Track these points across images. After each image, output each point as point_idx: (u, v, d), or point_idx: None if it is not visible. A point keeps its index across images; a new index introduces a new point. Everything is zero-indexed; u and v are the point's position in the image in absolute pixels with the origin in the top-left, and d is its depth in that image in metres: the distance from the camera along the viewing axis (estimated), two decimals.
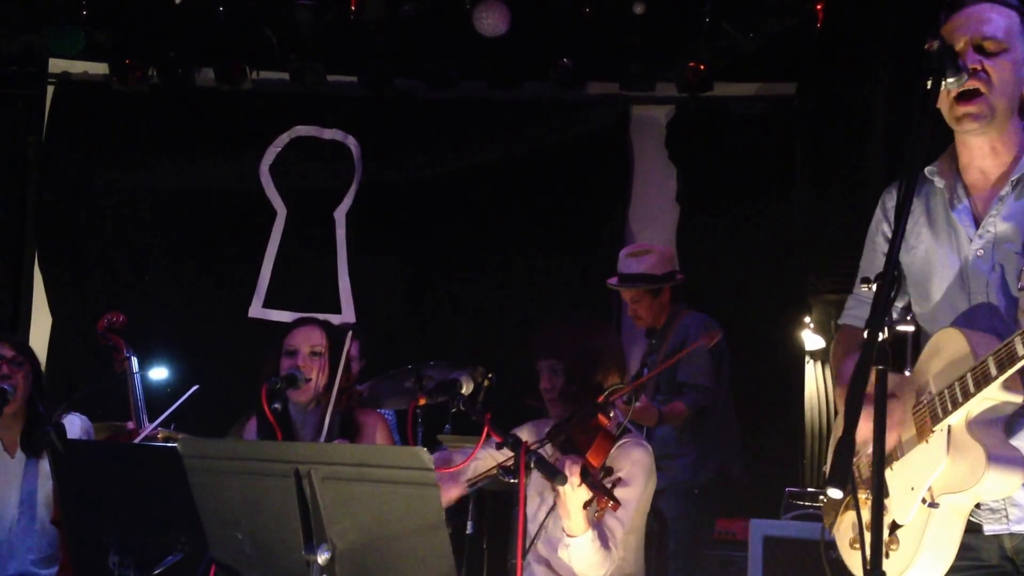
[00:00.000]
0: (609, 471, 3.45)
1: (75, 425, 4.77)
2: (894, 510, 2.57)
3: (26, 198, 7.40)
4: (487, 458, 3.75)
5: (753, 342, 6.43)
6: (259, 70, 7.27)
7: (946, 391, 2.50)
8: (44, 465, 4.64)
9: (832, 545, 4.35)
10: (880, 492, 2.31)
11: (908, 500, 2.55)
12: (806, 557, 4.66)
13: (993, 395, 2.42)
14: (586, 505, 3.36)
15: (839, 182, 6.67)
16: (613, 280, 5.65)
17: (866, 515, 2.57)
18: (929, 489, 2.51)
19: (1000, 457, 2.42)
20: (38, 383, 4.72)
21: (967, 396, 2.44)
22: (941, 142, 2.76)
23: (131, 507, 3.40)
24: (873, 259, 2.88)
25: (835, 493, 2.20)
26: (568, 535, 3.44)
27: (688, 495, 5.32)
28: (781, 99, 7.14)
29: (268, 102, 7.39)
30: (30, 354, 4.74)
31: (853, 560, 2.69)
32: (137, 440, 4.56)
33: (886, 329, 2.25)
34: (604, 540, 3.49)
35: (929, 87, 2.45)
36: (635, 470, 3.59)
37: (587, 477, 3.34)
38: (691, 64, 6.91)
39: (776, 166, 7.02)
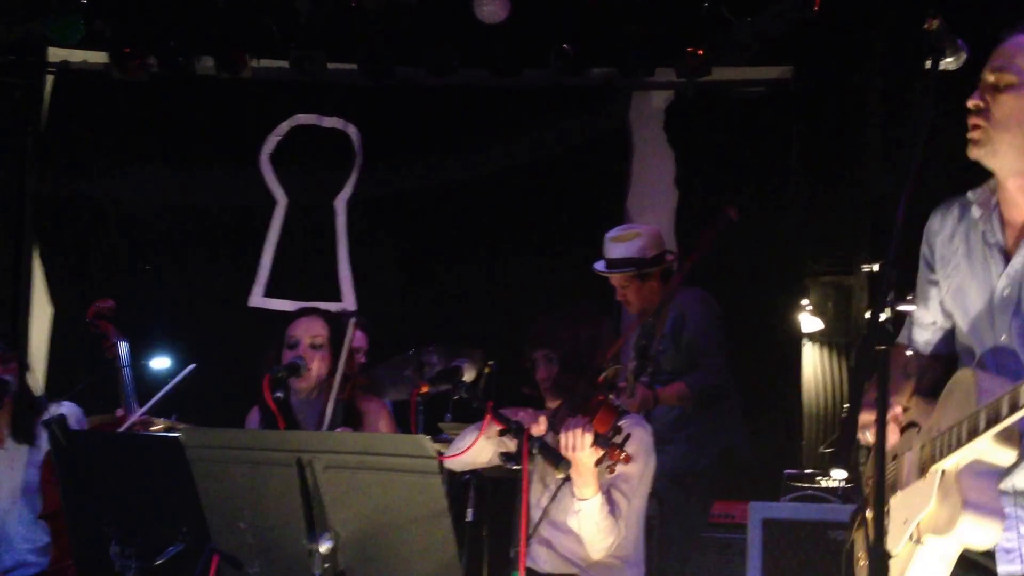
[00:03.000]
0: (618, 430, 3.49)
1: (69, 415, 4.79)
2: (890, 538, 2.54)
3: (25, 188, 7.38)
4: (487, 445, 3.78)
5: (751, 324, 6.46)
6: (259, 58, 7.24)
7: (948, 434, 2.48)
8: (36, 455, 4.68)
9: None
10: (883, 468, 2.32)
11: (900, 532, 2.56)
12: (805, 539, 4.69)
13: (984, 448, 2.41)
14: (598, 463, 3.41)
15: (836, 165, 6.68)
16: (600, 265, 5.39)
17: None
18: (917, 526, 2.52)
19: (977, 506, 2.40)
20: (23, 373, 4.76)
21: (960, 444, 2.43)
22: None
23: (133, 497, 3.42)
24: (918, 285, 2.84)
25: (839, 473, 2.21)
26: (579, 499, 3.50)
27: (683, 482, 5.15)
28: (778, 83, 7.14)
29: (268, 90, 7.37)
30: (15, 346, 4.79)
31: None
32: (125, 427, 4.55)
33: (888, 309, 2.25)
34: (612, 507, 3.55)
35: (929, 67, 2.46)
36: (635, 449, 3.62)
37: (597, 438, 3.39)
38: (690, 49, 6.90)
39: (774, 150, 7.02)
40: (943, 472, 2.49)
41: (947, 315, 2.79)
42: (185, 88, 7.29)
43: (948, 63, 2.50)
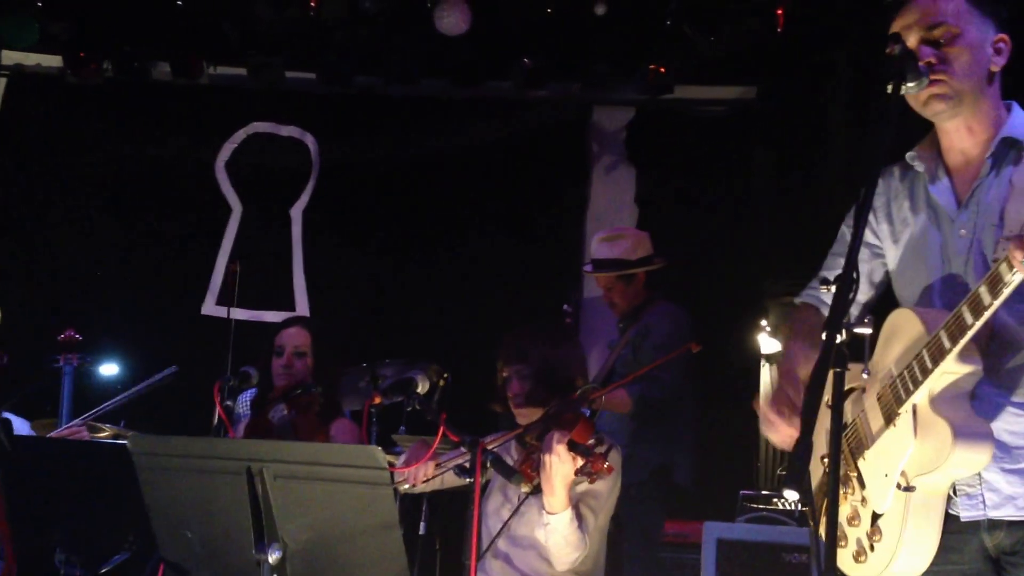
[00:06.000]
0: (600, 440, 3.46)
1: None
2: (872, 500, 2.55)
3: None
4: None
5: (709, 344, 6.44)
6: (216, 65, 7.19)
7: (905, 371, 2.48)
8: None
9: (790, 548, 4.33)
10: (836, 498, 2.28)
11: (883, 487, 2.52)
12: (759, 560, 4.67)
13: (951, 368, 2.41)
14: (579, 471, 3.38)
15: (797, 185, 6.70)
16: (588, 266, 5.55)
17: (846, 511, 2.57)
18: (903, 473, 2.48)
19: (967, 431, 2.40)
20: None
21: (926, 373, 2.42)
22: (905, 143, 2.77)
23: (79, 505, 3.37)
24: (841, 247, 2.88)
25: (791, 495, 2.18)
26: (548, 512, 3.47)
27: (624, 494, 5.13)
28: (741, 102, 7.17)
29: (225, 97, 7.32)
30: None
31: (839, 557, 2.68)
32: (57, 432, 4.50)
33: (844, 331, 2.23)
34: (580, 522, 3.52)
35: (890, 91, 2.45)
36: (613, 462, 3.59)
37: (576, 447, 3.38)
38: (652, 66, 6.92)
39: (735, 169, 7.05)
40: (915, 408, 2.47)
41: (872, 285, 2.84)
42: (140, 93, 7.21)
43: (910, 88, 2.51)
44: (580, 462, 3.39)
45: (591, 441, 3.46)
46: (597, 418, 5.04)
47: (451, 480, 3.83)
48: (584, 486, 3.52)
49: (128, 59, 7.03)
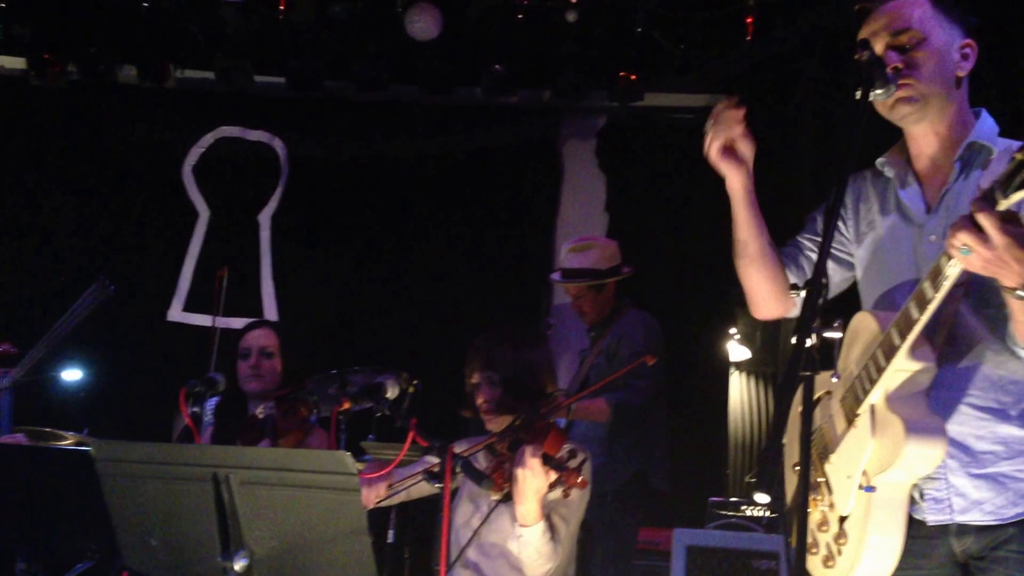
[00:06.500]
0: (573, 453, 3.43)
1: None
2: (838, 503, 2.56)
3: None
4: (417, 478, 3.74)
5: (679, 352, 6.45)
6: (184, 68, 7.13)
7: (863, 372, 2.50)
8: None
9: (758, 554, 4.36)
10: (806, 506, 2.27)
11: (846, 489, 2.53)
12: (729, 566, 4.67)
13: (903, 366, 2.43)
14: (552, 486, 3.35)
15: (765, 194, 6.70)
16: (556, 275, 5.52)
17: (816, 517, 2.57)
18: (864, 473, 2.49)
19: (919, 426, 2.41)
20: None
21: (880, 371, 2.44)
22: (873, 151, 2.78)
23: (40, 513, 3.31)
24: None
25: (762, 498, 2.17)
26: (521, 524, 3.43)
27: (600, 501, 5.02)
28: (710, 110, 7.17)
29: (193, 101, 7.25)
30: None
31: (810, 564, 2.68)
32: None
33: (813, 336, 2.23)
34: (552, 533, 3.49)
35: (859, 98, 2.46)
36: (587, 473, 3.56)
37: (550, 461, 3.34)
38: (622, 74, 6.92)
39: (704, 177, 7.04)
40: (873, 408, 2.49)
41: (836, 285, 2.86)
42: (106, 96, 7.14)
43: (878, 94, 2.52)
44: (554, 475, 3.36)
45: (564, 454, 3.43)
46: (573, 426, 5.04)
47: (419, 491, 3.79)
48: (556, 495, 3.49)
49: (93, 61, 6.95)
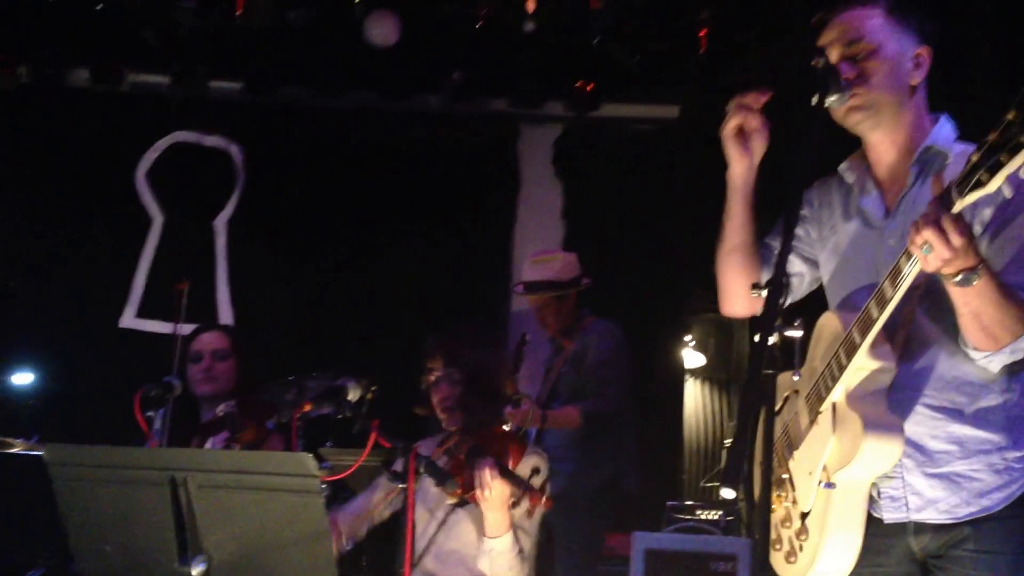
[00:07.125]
0: (536, 470, 3.42)
1: None
2: (800, 499, 2.60)
3: None
4: (380, 490, 3.74)
5: (634, 359, 6.48)
6: (138, 72, 7.05)
7: (825, 370, 2.55)
8: None
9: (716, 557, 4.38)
10: (767, 504, 2.29)
11: (808, 486, 2.57)
12: (687, 569, 4.70)
13: (864, 364, 2.47)
14: (514, 505, 3.34)
15: (718, 203, 6.75)
16: (519, 288, 5.62)
17: (780, 513, 2.61)
18: (824, 469, 2.53)
19: (877, 424, 2.45)
20: None
21: (842, 369, 2.48)
22: (834, 157, 2.82)
23: None
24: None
25: (728, 493, 2.19)
26: (490, 536, 3.41)
27: (573, 506, 5.17)
28: (665, 120, 7.24)
29: (147, 105, 7.17)
30: None
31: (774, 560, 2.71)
32: None
33: (775, 334, 2.26)
34: (520, 548, 3.47)
35: (814, 103, 2.50)
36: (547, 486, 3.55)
37: (509, 475, 3.33)
38: (579, 84, 6.96)
39: (659, 186, 7.10)
40: (834, 406, 2.53)
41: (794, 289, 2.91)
42: (57, 100, 7.03)
43: (833, 100, 2.56)
44: (517, 491, 3.33)
45: (528, 470, 3.40)
46: (545, 435, 5.09)
47: (380, 515, 3.77)
48: (520, 512, 3.45)
49: (45, 64, 6.87)
